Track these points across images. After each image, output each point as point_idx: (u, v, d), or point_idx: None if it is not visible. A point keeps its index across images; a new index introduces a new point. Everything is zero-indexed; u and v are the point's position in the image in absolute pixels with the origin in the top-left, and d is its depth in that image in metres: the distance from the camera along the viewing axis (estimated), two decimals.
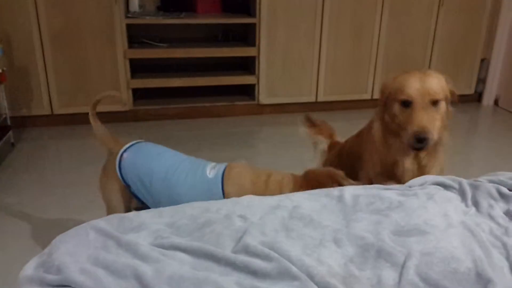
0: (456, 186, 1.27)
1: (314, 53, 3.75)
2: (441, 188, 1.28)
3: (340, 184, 1.36)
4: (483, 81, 4.21)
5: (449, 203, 1.20)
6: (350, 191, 1.24)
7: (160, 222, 1.01)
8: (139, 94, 3.71)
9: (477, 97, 4.28)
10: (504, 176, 1.34)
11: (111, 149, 1.67)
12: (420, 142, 1.34)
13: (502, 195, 1.21)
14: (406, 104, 1.39)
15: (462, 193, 1.25)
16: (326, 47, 3.75)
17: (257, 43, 3.64)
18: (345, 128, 3.70)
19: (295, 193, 1.23)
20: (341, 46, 3.78)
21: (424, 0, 3.76)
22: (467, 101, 4.26)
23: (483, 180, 1.33)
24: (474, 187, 1.24)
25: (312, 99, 3.91)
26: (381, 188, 1.26)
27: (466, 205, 1.21)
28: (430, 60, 3.97)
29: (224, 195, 1.48)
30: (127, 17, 3.40)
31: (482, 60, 4.14)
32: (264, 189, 1.45)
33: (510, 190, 1.26)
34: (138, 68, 3.70)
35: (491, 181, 1.31)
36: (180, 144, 3.28)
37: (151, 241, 0.93)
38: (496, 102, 4.24)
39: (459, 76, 4.12)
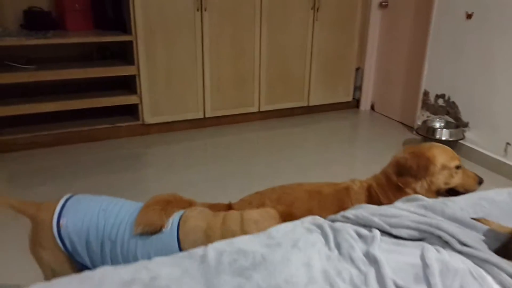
0: (319, 230, 1.27)
1: (198, 70, 3.68)
2: (306, 232, 1.28)
3: None
4: (359, 89, 4.48)
5: (313, 248, 1.20)
6: (215, 247, 1.18)
7: None
8: (4, 122, 3.33)
9: (356, 103, 4.55)
10: (366, 210, 1.38)
11: (33, 216, 1.45)
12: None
13: (360, 235, 1.24)
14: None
15: (325, 236, 1.26)
16: (209, 64, 3.70)
17: (136, 61, 3.47)
18: (235, 141, 3.73)
19: (155, 259, 1.14)
20: (224, 63, 3.76)
21: (299, 16, 3.90)
22: (347, 107, 4.51)
23: (350, 215, 1.36)
24: (335, 230, 1.26)
25: (200, 115, 3.85)
26: (246, 240, 1.22)
27: (329, 248, 1.21)
28: (310, 72, 4.13)
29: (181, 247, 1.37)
30: None
31: (357, 69, 4.40)
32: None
33: (368, 226, 1.30)
34: (3, 93, 3.32)
35: (355, 215, 1.34)
36: (53, 175, 2.99)
37: None
38: (372, 107, 4.54)
39: (338, 85, 4.34)
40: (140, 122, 3.66)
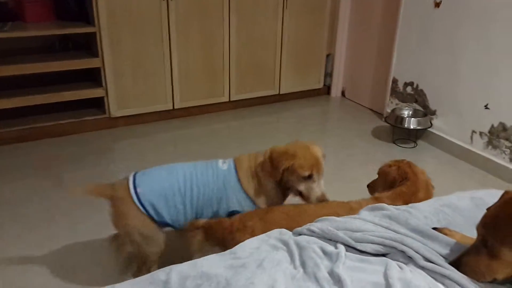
0: (285, 248, 1.27)
1: (165, 61, 3.59)
2: (272, 249, 1.27)
3: None
4: (330, 75, 4.47)
5: (278, 268, 1.20)
6: (178, 271, 1.16)
7: None
8: None
9: (327, 90, 4.55)
10: (331, 223, 1.38)
11: (111, 195, 1.73)
12: None
13: (325, 252, 1.24)
14: None
15: (290, 253, 1.25)
16: (177, 55, 3.61)
17: (100, 53, 3.35)
18: (205, 133, 3.68)
19: (117, 286, 1.12)
20: (193, 54, 3.68)
21: (269, 5, 3.82)
22: (318, 94, 4.50)
23: (315, 228, 1.35)
24: (301, 248, 1.25)
25: (169, 106, 3.77)
26: (211, 262, 1.20)
27: (294, 267, 1.21)
28: (281, 60, 4.08)
29: (240, 182, 1.79)
30: None
31: (328, 56, 4.38)
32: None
33: (334, 241, 1.30)
34: None
35: (321, 229, 1.34)
36: (18, 173, 2.90)
37: None
38: (343, 94, 4.55)
39: (309, 72, 4.32)
40: (106, 116, 3.57)
